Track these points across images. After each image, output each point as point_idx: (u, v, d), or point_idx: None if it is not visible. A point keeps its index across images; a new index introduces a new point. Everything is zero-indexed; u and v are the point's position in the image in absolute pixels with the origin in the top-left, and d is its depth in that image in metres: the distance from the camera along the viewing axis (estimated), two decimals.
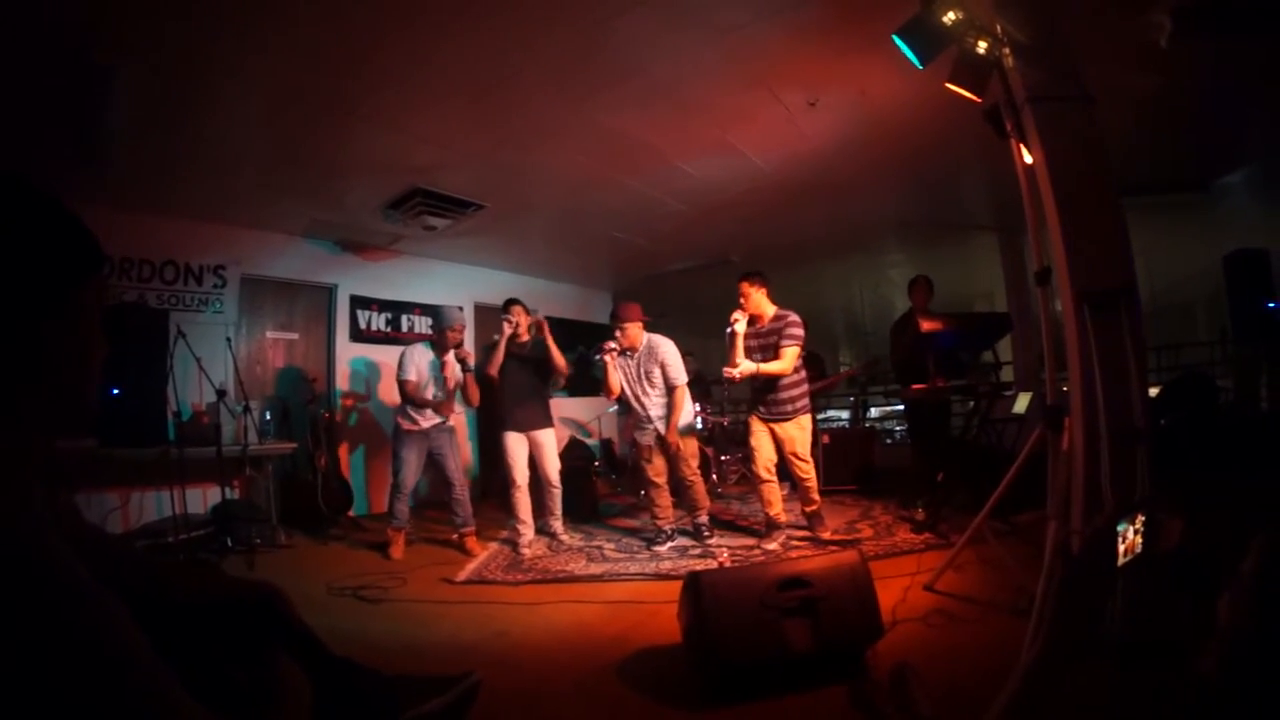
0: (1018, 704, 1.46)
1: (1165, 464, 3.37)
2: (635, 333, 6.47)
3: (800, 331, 6.07)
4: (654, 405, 6.47)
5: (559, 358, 6.64)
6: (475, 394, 6.71)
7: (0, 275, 0.94)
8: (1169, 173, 7.64)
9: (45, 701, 0.73)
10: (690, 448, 6.55)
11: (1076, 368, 3.33)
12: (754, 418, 6.35)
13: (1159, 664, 2.25)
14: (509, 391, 6.68)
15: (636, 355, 6.51)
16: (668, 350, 6.51)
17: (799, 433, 6.15)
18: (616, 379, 6.50)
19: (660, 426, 6.42)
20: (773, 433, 6.19)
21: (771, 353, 6.08)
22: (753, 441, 6.29)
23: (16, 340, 0.96)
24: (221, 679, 1.22)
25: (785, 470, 6.28)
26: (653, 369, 6.45)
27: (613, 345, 6.38)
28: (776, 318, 6.17)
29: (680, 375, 6.47)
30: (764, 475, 6.18)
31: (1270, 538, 1.24)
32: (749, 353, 6.20)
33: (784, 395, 6.11)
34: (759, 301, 6.20)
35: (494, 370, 6.57)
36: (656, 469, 6.53)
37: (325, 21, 4.24)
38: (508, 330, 6.58)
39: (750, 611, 3.27)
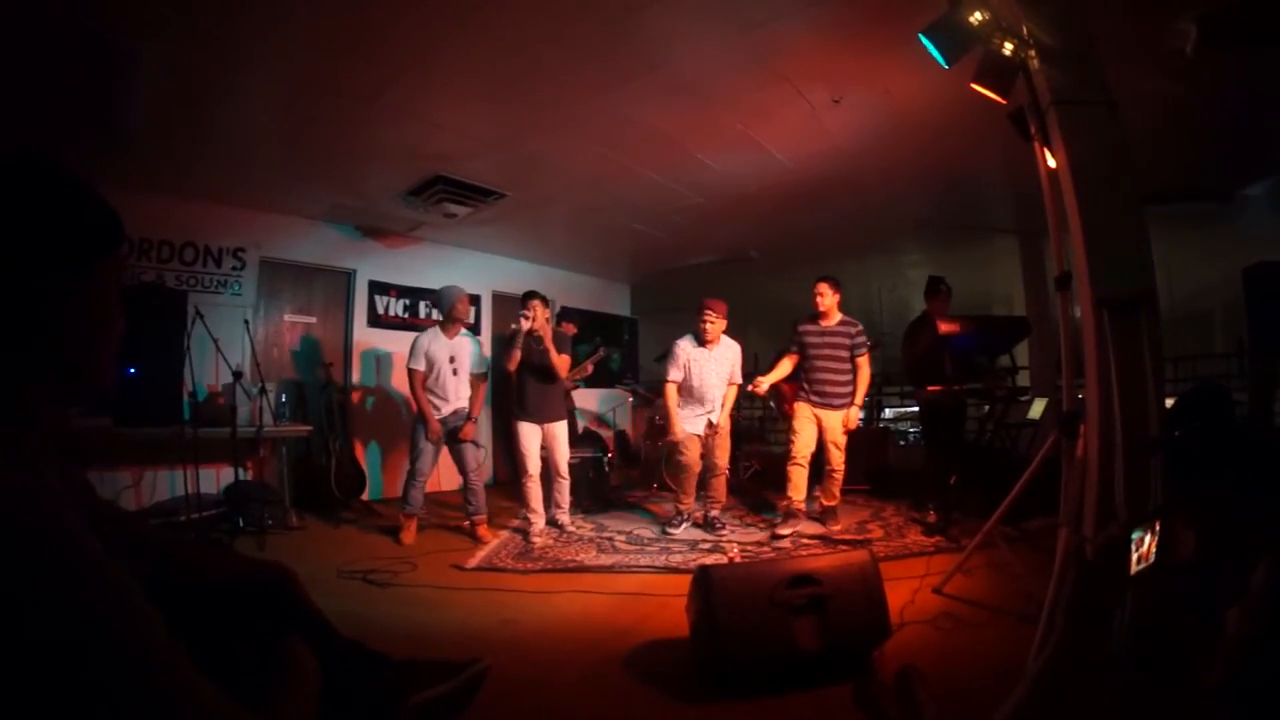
0: (1025, 709, 1.46)
1: (1178, 476, 3.35)
2: (720, 328, 6.89)
3: (867, 339, 6.77)
4: (719, 397, 6.90)
5: (556, 361, 6.63)
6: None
7: (21, 247, 0.95)
8: (1191, 182, 7.57)
9: (55, 671, 0.74)
10: (726, 440, 6.97)
11: (1094, 375, 3.31)
12: (802, 403, 6.72)
13: (1167, 674, 2.24)
14: (526, 383, 6.72)
15: (715, 348, 6.90)
16: (738, 350, 7.07)
17: (842, 424, 6.58)
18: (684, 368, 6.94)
19: (714, 415, 6.85)
20: (818, 419, 6.58)
21: (837, 350, 6.65)
22: (796, 425, 6.70)
23: (35, 312, 0.97)
24: (230, 657, 1.23)
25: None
26: (725, 365, 6.87)
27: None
28: (844, 323, 6.72)
29: (740, 375, 7.05)
30: (797, 458, 6.59)
31: None
32: (812, 347, 6.70)
33: (840, 389, 6.62)
34: (832, 304, 6.70)
35: (512, 366, 6.60)
36: (692, 457, 6.80)
37: (346, 7, 4.25)
38: (525, 326, 6.56)
39: (759, 608, 3.28)
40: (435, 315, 7.33)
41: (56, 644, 0.74)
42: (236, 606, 1.46)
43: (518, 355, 6.57)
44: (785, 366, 6.86)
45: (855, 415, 6.64)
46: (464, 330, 6.90)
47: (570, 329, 8.03)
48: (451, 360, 6.69)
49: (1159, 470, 3.16)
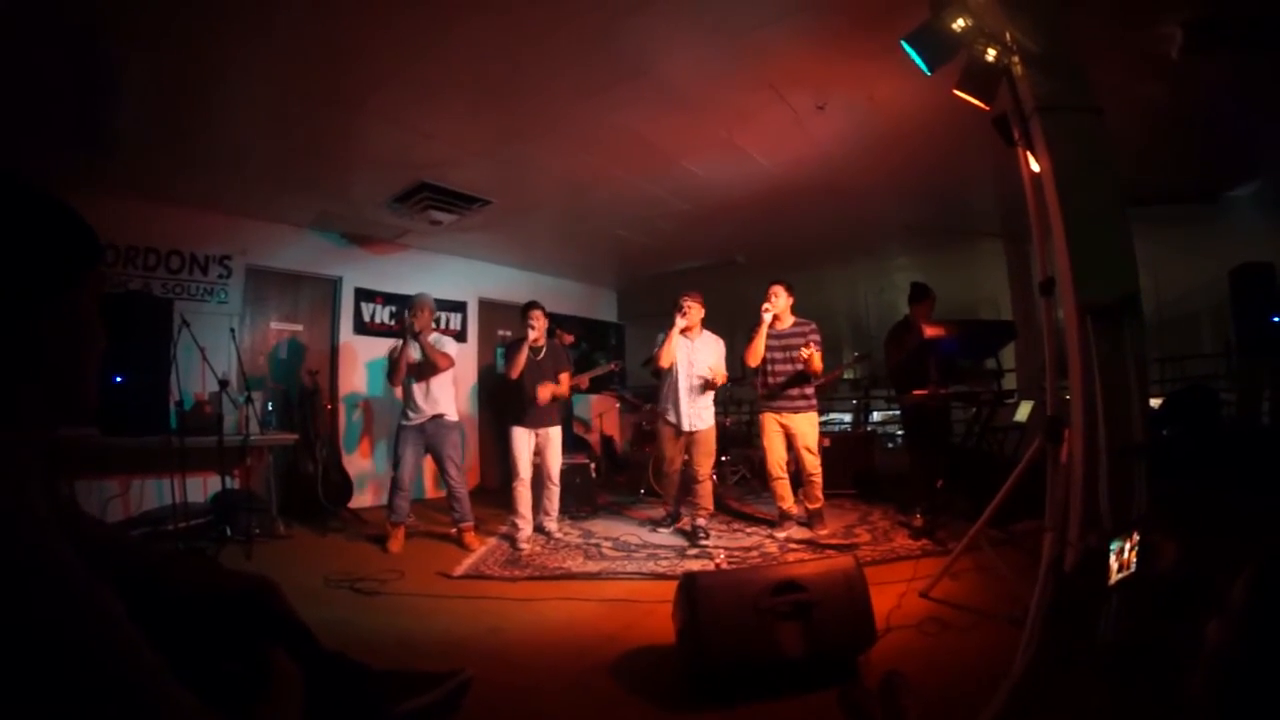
0: (1004, 716, 1.46)
1: (1165, 477, 3.37)
2: (698, 314, 6.86)
3: (819, 338, 6.67)
4: (695, 390, 6.79)
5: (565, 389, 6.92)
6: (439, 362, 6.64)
7: None
8: (1177, 184, 7.62)
9: (40, 694, 0.74)
10: (709, 445, 6.86)
11: (1078, 380, 3.32)
12: (766, 415, 6.78)
13: (1147, 683, 2.25)
14: (525, 390, 6.77)
15: (694, 340, 6.88)
16: (722, 346, 6.97)
17: (810, 428, 6.69)
18: (671, 352, 6.79)
19: (689, 417, 6.75)
20: (785, 429, 6.63)
21: (793, 353, 6.60)
22: (765, 442, 6.78)
23: (14, 335, 0.96)
24: (213, 670, 1.23)
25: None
26: (710, 358, 6.83)
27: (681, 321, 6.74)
28: (798, 324, 6.79)
29: (724, 369, 6.89)
30: (776, 473, 6.72)
31: (1262, 563, 1.24)
32: (769, 350, 6.69)
33: (798, 390, 6.67)
34: (785, 306, 6.77)
35: (515, 374, 6.69)
36: (673, 458, 6.89)
37: (331, 15, 4.24)
38: (532, 336, 6.69)
39: (744, 614, 3.29)
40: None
41: (37, 666, 0.74)
42: (220, 619, 1.46)
43: (521, 363, 6.65)
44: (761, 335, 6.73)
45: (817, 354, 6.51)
46: (434, 335, 6.83)
47: (569, 338, 8.09)
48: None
49: (1143, 474, 3.18)
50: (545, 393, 6.72)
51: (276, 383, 8.46)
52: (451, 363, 6.68)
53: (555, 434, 6.98)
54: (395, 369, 6.58)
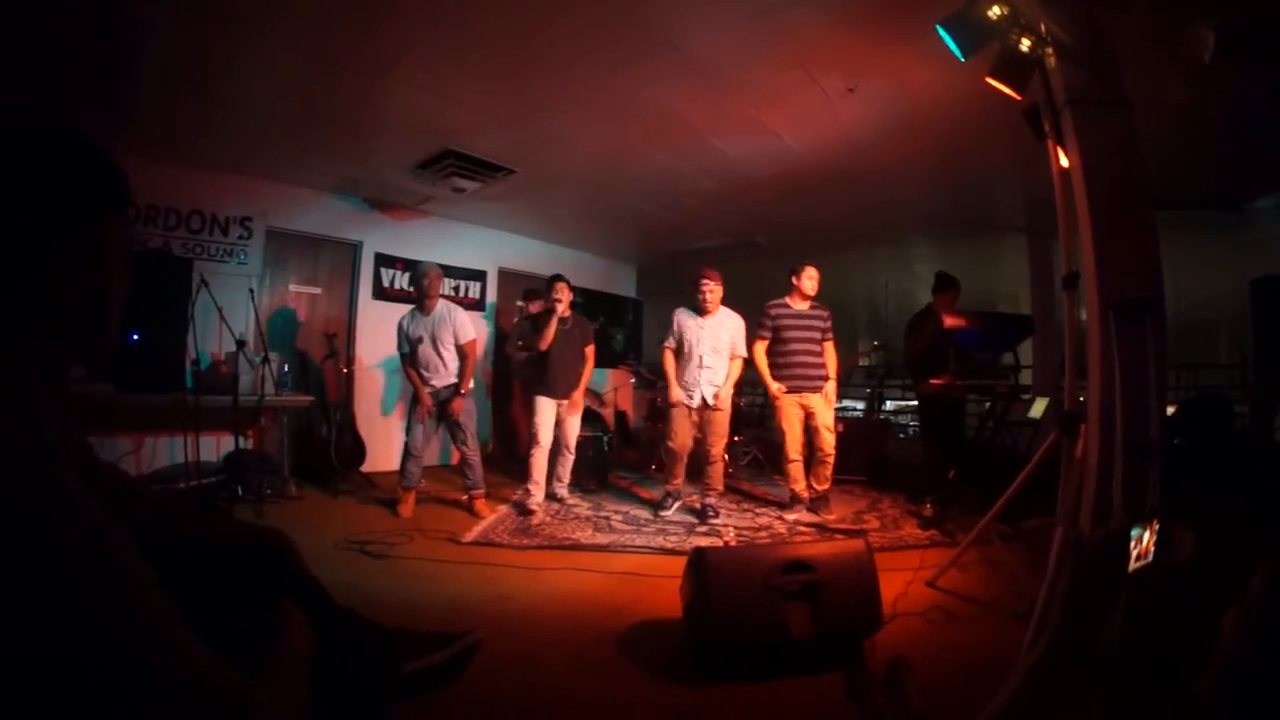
0: (1014, 705, 1.45)
1: (1176, 483, 3.35)
2: (718, 295, 6.85)
3: (830, 324, 6.95)
4: (716, 369, 6.75)
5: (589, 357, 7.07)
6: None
7: (27, 203, 0.95)
8: (1203, 190, 7.54)
9: (47, 624, 0.74)
10: (723, 425, 6.82)
11: (1097, 376, 3.31)
12: (785, 397, 6.71)
13: (1158, 677, 2.24)
14: (552, 361, 6.88)
15: (712, 318, 6.84)
16: (739, 322, 6.95)
17: (826, 406, 6.72)
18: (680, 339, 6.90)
19: (709, 392, 6.70)
20: (805, 409, 6.64)
21: (812, 334, 6.81)
22: (784, 425, 6.72)
23: (42, 268, 0.97)
24: (224, 620, 1.23)
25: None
26: (723, 335, 6.77)
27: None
28: (815, 306, 6.91)
29: (744, 349, 6.91)
30: (792, 455, 6.69)
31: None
32: (788, 329, 6.74)
33: (818, 370, 6.75)
34: (815, 288, 6.90)
35: (544, 346, 6.80)
36: (681, 431, 6.76)
37: None
38: (560, 310, 6.78)
39: (752, 592, 3.29)
40: (442, 290, 7.31)
41: (45, 598, 0.74)
42: (233, 571, 1.47)
43: (550, 335, 6.77)
44: (761, 353, 6.86)
45: (834, 390, 6.82)
46: (441, 304, 6.85)
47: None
48: (432, 337, 6.66)
49: (1157, 473, 3.17)
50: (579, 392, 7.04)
51: (294, 345, 8.50)
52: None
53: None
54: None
